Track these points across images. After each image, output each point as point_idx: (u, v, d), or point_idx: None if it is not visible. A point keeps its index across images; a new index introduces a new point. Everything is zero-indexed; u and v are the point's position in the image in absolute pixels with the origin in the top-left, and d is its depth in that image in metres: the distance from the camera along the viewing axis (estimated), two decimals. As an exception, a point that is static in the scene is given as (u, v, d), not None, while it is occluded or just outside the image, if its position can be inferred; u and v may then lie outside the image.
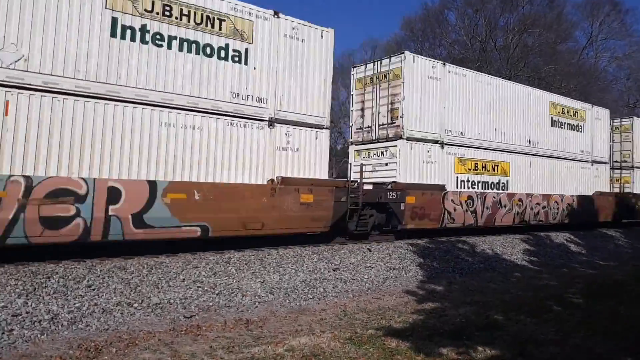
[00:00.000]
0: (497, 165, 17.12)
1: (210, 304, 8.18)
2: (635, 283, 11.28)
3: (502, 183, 17.22)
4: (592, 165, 21.49)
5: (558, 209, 19.18)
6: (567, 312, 8.26)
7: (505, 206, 16.93)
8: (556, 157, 19.58)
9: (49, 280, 7.75)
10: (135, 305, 7.64)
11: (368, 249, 12.33)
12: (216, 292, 8.54)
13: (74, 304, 7.30)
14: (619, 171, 24.34)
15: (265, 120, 11.45)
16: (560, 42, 45.35)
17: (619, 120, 25.14)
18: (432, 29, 47.19)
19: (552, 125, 19.57)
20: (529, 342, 6.46)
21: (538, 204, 18.39)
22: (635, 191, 23.86)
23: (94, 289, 7.76)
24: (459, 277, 11.65)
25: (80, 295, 7.55)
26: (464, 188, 15.97)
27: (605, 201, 21.63)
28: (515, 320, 7.63)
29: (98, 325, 6.95)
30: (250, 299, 8.60)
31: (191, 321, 7.42)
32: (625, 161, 24.26)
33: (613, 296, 9.67)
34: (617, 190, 24.15)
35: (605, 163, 22.42)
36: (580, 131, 20.96)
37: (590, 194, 21.06)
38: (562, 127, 20.06)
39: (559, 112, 19.99)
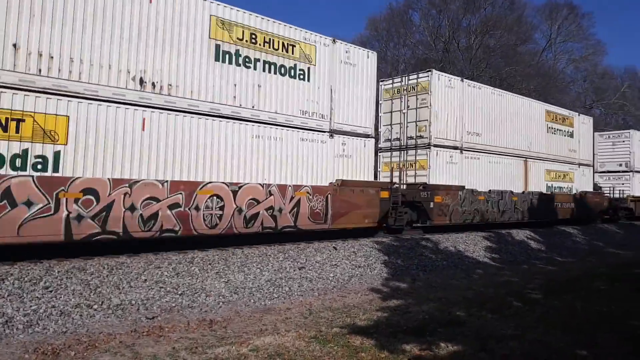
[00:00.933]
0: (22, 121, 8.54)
1: (173, 304, 8.05)
2: (591, 279, 11.65)
3: (42, 159, 8.75)
4: (331, 137, 13.29)
5: (222, 208, 10.90)
6: (527, 308, 8.46)
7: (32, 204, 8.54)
8: (228, 118, 11.23)
9: (4, 282, 7.48)
10: (95, 306, 7.45)
11: (334, 247, 12.35)
12: (179, 292, 8.41)
13: (30, 306, 7.07)
14: (413, 152, 16.86)
15: None
16: (520, 44, 46.55)
17: (415, 75, 17.24)
18: (397, 29, 47.69)
19: (217, 60, 11.17)
20: (490, 338, 6.58)
21: (154, 199, 9.98)
22: (434, 181, 16.40)
23: (51, 291, 7.52)
24: (422, 274, 11.81)
25: (37, 297, 7.32)
26: None
27: (357, 196, 13.55)
28: (477, 316, 7.77)
29: (56, 328, 6.75)
30: (214, 299, 8.50)
31: (153, 322, 7.29)
32: (421, 137, 16.65)
33: (570, 292, 9.96)
34: (401, 180, 16.83)
35: (365, 136, 14.22)
36: (302, 79, 12.70)
37: (327, 183, 13.19)
38: (247, 66, 11.61)
39: (238, 40, 11.57)
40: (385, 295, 9.48)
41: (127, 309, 7.61)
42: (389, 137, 17.75)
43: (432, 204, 15.84)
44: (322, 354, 5.91)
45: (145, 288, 8.29)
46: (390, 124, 17.76)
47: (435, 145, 16.66)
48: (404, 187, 16.41)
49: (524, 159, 20.58)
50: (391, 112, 17.81)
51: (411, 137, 17.10)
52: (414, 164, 16.94)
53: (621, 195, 27.69)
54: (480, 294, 9.75)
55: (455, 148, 17.35)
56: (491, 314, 7.96)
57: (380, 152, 18.01)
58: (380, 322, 7.43)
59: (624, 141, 29.17)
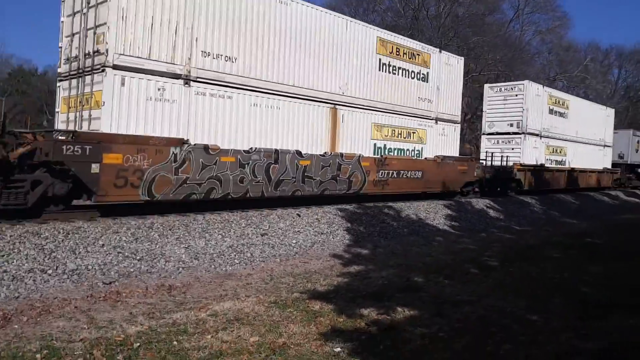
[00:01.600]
0: None
1: (131, 269, 7.93)
2: (546, 247, 12.04)
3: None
4: None
5: None
6: (483, 274, 8.69)
7: None
8: None
9: (-48, 246, 7.20)
10: (50, 271, 7.26)
11: (297, 214, 12.35)
12: (138, 257, 8.28)
13: (-20, 271, 6.84)
14: (90, 78, 10.22)
15: None
16: (488, 14, 46.59)
17: None
18: (367, -6, 47.03)
19: None
20: (446, 303, 6.74)
21: None
22: (114, 127, 9.87)
23: (2, 255, 7.28)
24: (384, 241, 11.96)
25: (-12, 262, 7.08)
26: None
27: None
28: (434, 282, 7.94)
29: (7, 293, 6.56)
30: (173, 265, 8.41)
31: (110, 287, 7.18)
32: (99, 53, 10.06)
33: (526, 259, 10.27)
34: (77, 125, 10.38)
35: None
36: None
37: None
38: None
39: None
40: (347, 262, 9.57)
41: (84, 274, 7.45)
42: (69, 56, 11.02)
43: (97, 168, 9.31)
44: (280, 318, 5.94)
45: (103, 253, 8.12)
46: (72, 34, 10.98)
47: (120, 68, 9.87)
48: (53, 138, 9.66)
49: (332, 105, 14.05)
50: (73, 14, 10.98)
51: (89, 54, 10.33)
52: (89, 100, 10.24)
53: (504, 163, 21.36)
54: (438, 260, 9.95)
55: (175, 76, 10.67)
56: (448, 280, 8.14)
57: (59, 80, 11.45)
58: (340, 287, 7.51)
59: (517, 95, 23.15)
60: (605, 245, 12.60)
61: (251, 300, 6.69)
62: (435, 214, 15.48)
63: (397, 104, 16.14)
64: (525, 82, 23.53)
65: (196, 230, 9.84)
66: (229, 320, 5.83)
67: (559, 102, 25.75)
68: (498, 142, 23.62)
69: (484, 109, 24.78)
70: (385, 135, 15.82)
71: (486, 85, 25.72)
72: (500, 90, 24.09)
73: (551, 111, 24.88)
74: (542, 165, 23.75)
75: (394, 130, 16.17)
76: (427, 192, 17.27)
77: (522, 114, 22.95)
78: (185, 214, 10.82)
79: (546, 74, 53.11)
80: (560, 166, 25.51)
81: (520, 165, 22.19)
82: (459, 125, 19.62)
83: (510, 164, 21.88)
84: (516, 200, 20.94)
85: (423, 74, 17.19)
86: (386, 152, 15.81)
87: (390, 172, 15.56)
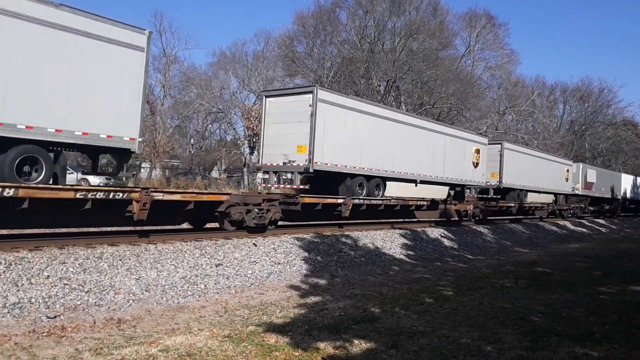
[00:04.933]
0: None
1: (79, 302, 7.59)
2: (498, 276, 12.27)
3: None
4: None
5: None
6: (438, 304, 8.75)
7: None
8: None
9: None
10: (-11, 306, 6.87)
11: (254, 243, 12.19)
12: (85, 289, 7.94)
13: None
14: None
15: None
16: (442, 49, 48.26)
17: None
18: (324, 26, 48.01)
19: None
20: (402, 334, 6.73)
21: None
22: None
23: (-63, 289, 6.86)
24: (341, 271, 11.93)
25: None
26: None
27: None
28: (390, 313, 7.93)
29: (-59, 329, 6.15)
30: (123, 297, 8.11)
31: (55, 322, 6.83)
32: None
33: (479, 288, 10.42)
34: None
35: None
36: None
37: None
38: None
39: None
40: (304, 292, 9.47)
41: (26, 308, 7.08)
42: None
43: None
44: (235, 353, 5.78)
45: (48, 285, 7.75)
46: None
47: None
48: None
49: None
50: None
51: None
52: None
53: None
54: (395, 290, 9.98)
55: None
56: (404, 310, 8.15)
57: None
58: (296, 319, 7.41)
59: None
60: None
61: (204, 334, 6.50)
62: (391, 242, 15.60)
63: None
64: None
65: (148, 261, 9.55)
66: (181, 355, 5.63)
67: None
68: None
69: None
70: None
71: None
72: None
73: None
74: None
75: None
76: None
77: None
78: (136, 243, 10.51)
79: (496, 108, 55.18)
80: None
81: None
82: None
83: None
84: (470, 230, 21.36)
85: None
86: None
87: None
